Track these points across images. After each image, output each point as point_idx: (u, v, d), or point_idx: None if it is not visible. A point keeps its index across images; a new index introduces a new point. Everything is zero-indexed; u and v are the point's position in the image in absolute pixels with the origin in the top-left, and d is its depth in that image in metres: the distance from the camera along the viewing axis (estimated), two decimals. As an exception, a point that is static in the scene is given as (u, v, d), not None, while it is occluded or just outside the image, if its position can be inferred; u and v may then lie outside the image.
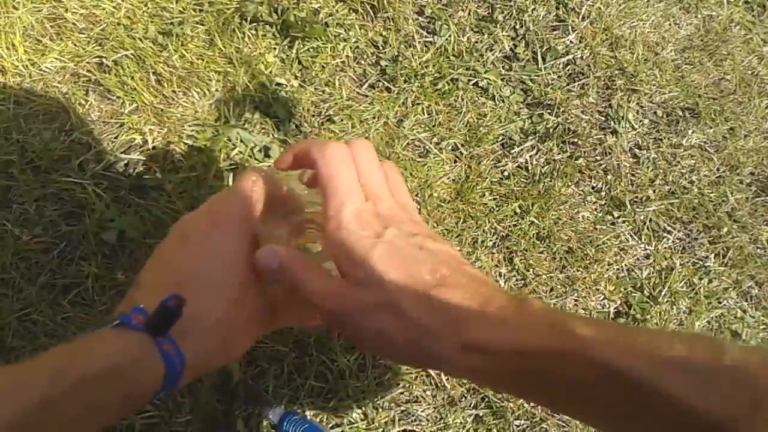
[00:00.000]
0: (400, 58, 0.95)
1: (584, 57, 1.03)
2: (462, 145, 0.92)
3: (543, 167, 0.93)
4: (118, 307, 0.40)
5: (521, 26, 1.02)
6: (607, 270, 0.89)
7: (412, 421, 0.76)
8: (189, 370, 0.38)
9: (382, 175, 0.43)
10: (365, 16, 0.97)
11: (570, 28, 1.04)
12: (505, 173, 0.92)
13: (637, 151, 0.98)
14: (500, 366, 0.35)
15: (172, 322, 0.37)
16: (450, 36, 0.98)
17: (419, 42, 0.97)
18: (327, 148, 0.42)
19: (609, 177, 0.95)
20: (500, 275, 0.85)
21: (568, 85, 1.00)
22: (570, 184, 0.93)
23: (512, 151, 0.93)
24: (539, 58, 1.01)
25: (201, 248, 0.42)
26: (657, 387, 0.30)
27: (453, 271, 0.38)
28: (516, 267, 0.86)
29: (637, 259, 0.92)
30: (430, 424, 0.77)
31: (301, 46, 0.92)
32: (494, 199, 0.89)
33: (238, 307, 0.41)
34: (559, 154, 0.94)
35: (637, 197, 0.95)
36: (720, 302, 0.91)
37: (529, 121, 0.96)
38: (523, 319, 0.35)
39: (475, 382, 0.40)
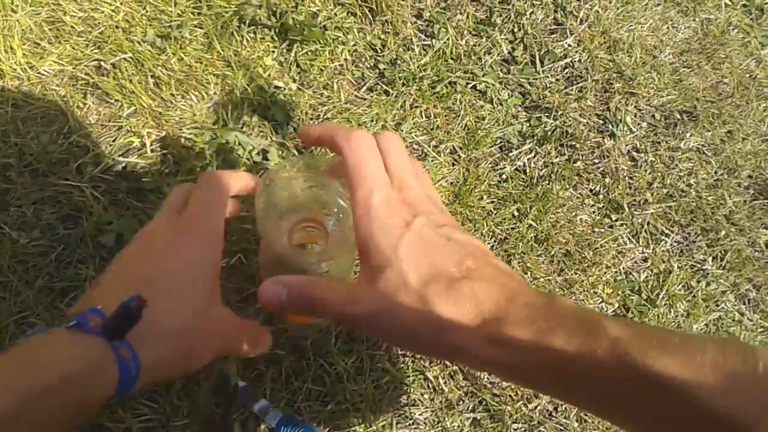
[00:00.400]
0: (399, 62, 0.95)
1: (582, 60, 1.03)
2: (460, 148, 0.92)
3: (541, 170, 0.93)
4: (74, 306, 0.38)
5: (519, 30, 1.03)
6: (605, 273, 0.89)
7: (409, 424, 0.76)
8: (144, 375, 0.36)
9: (410, 165, 0.42)
10: (363, 20, 0.97)
11: (568, 31, 1.05)
12: (503, 176, 0.92)
13: (635, 154, 0.99)
14: (525, 360, 0.34)
15: (131, 325, 0.35)
16: (448, 39, 0.98)
17: (417, 45, 0.97)
18: (353, 137, 0.41)
19: (607, 180, 0.95)
20: (498, 278, 0.85)
21: (566, 88, 1.00)
22: (568, 187, 0.93)
23: (510, 154, 0.93)
24: (537, 61, 1.01)
25: (168, 258, 0.41)
26: (687, 389, 0.30)
27: (480, 263, 0.37)
28: (514, 270, 0.86)
29: (635, 262, 0.92)
30: (427, 428, 0.76)
31: (300, 49, 0.92)
32: (492, 202, 0.89)
33: (201, 320, 0.40)
34: (557, 157, 0.95)
35: (635, 200, 0.95)
36: (718, 305, 0.91)
37: (527, 125, 0.96)
38: (552, 315, 0.34)
39: (497, 375, 0.41)
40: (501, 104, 0.97)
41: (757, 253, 0.96)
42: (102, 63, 0.87)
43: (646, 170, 0.97)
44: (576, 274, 0.87)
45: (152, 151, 0.82)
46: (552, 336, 0.33)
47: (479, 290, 0.36)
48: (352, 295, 0.37)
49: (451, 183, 0.90)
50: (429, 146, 0.91)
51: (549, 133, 0.95)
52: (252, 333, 0.45)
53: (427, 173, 0.43)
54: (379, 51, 0.96)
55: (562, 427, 0.79)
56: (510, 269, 0.39)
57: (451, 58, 0.97)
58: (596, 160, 0.96)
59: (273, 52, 0.92)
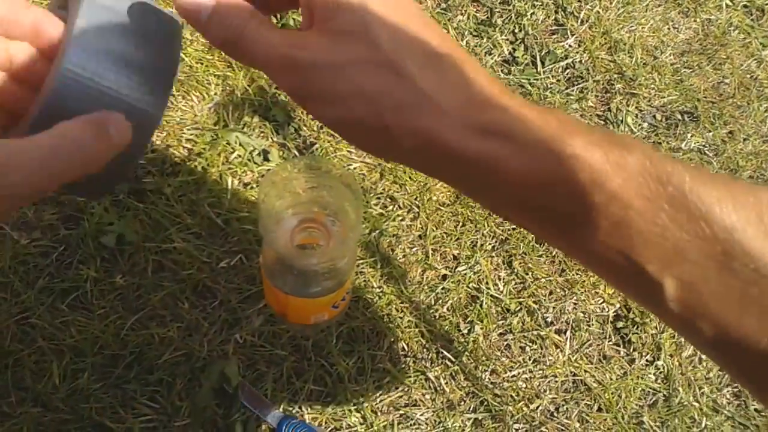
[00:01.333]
0: (399, 62, 0.95)
1: (583, 61, 1.03)
2: (461, 149, 0.92)
3: (542, 171, 0.93)
4: None
5: (520, 30, 1.03)
6: (607, 273, 0.89)
7: (411, 424, 0.76)
8: None
9: None
10: (364, 20, 0.97)
11: (569, 32, 1.05)
12: (504, 177, 0.92)
13: (636, 154, 0.99)
14: (521, 156, 0.27)
15: None
16: (449, 40, 0.98)
17: (418, 46, 0.97)
18: None
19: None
20: (499, 278, 0.85)
21: (567, 88, 1.00)
22: (569, 187, 0.93)
23: (511, 155, 0.93)
24: (538, 61, 1.01)
25: None
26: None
27: (463, 50, 0.30)
28: (515, 270, 0.86)
29: (637, 262, 0.92)
30: (429, 428, 0.76)
31: (301, 49, 0.92)
32: (493, 202, 0.89)
33: None
34: (558, 157, 0.94)
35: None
36: (719, 306, 0.91)
37: (528, 125, 0.96)
38: (560, 117, 0.29)
39: (475, 189, 0.31)
40: (502, 105, 0.96)
41: (758, 253, 0.96)
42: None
43: (647, 171, 0.97)
44: (577, 274, 0.87)
45: (153, 151, 0.82)
46: (571, 138, 0.27)
47: (468, 70, 0.29)
48: (300, 37, 0.29)
49: (452, 183, 0.89)
50: (430, 147, 0.91)
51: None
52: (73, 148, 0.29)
53: None
54: (380, 51, 0.96)
55: (563, 428, 0.79)
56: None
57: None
58: (597, 161, 0.96)
59: (274, 52, 0.92)
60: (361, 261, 0.81)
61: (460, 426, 0.77)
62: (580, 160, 0.27)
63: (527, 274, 0.86)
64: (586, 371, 0.82)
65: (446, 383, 0.78)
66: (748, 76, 1.09)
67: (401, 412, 0.76)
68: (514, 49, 1.01)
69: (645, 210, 0.26)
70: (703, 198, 0.26)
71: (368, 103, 0.28)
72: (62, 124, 0.29)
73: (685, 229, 0.26)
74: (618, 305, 0.88)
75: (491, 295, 0.84)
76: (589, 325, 0.85)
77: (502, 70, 0.99)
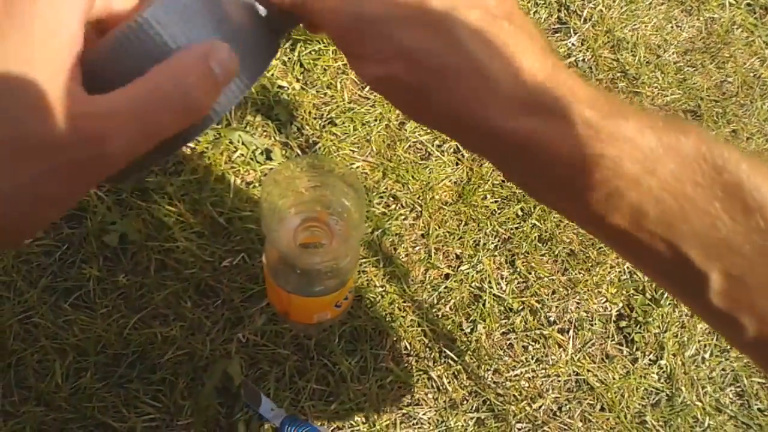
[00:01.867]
0: (402, 61, 0.95)
1: (586, 59, 1.03)
2: (464, 148, 0.92)
3: (545, 170, 0.93)
4: None
5: (523, 29, 1.02)
6: (609, 272, 0.89)
7: (413, 424, 0.76)
8: None
9: None
10: (367, 19, 0.97)
11: (572, 30, 1.04)
12: (507, 176, 0.92)
13: (639, 153, 0.98)
14: (567, 137, 0.25)
15: None
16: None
17: (421, 44, 0.97)
18: None
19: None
20: (502, 278, 0.85)
21: (569, 87, 1.00)
22: (572, 186, 0.93)
23: (514, 154, 0.93)
24: (541, 60, 1.01)
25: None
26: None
27: (523, 15, 0.28)
28: (518, 269, 0.85)
29: (639, 261, 0.91)
30: (431, 427, 0.76)
31: (303, 49, 0.92)
32: (496, 201, 0.89)
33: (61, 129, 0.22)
34: (560, 156, 0.94)
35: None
36: (722, 305, 0.91)
37: (531, 124, 0.96)
38: (603, 96, 0.27)
39: (513, 167, 0.28)
40: (504, 104, 0.96)
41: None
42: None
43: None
44: (580, 273, 0.87)
45: (156, 150, 0.82)
46: (623, 120, 0.25)
47: (523, 38, 0.27)
48: None
49: (455, 182, 0.89)
50: (432, 145, 0.91)
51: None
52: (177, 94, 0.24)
53: None
54: (383, 50, 0.96)
55: (566, 427, 0.79)
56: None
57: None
58: (600, 160, 0.96)
59: (276, 51, 0.92)
60: (363, 260, 0.81)
61: (462, 425, 0.77)
62: (631, 144, 0.25)
63: (530, 273, 0.86)
64: (588, 371, 0.82)
65: (449, 382, 0.78)
66: (752, 74, 1.09)
67: (404, 411, 0.76)
68: (517, 48, 1.01)
69: (697, 197, 0.25)
70: (761, 189, 0.25)
71: (408, 61, 0.26)
72: (158, 67, 0.24)
73: (738, 220, 0.25)
74: (621, 304, 0.87)
75: (494, 295, 0.83)
76: (591, 325, 0.85)
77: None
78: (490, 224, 0.87)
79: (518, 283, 0.85)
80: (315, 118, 0.89)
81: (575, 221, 0.30)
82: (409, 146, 0.90)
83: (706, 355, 0.87)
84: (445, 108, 0.27)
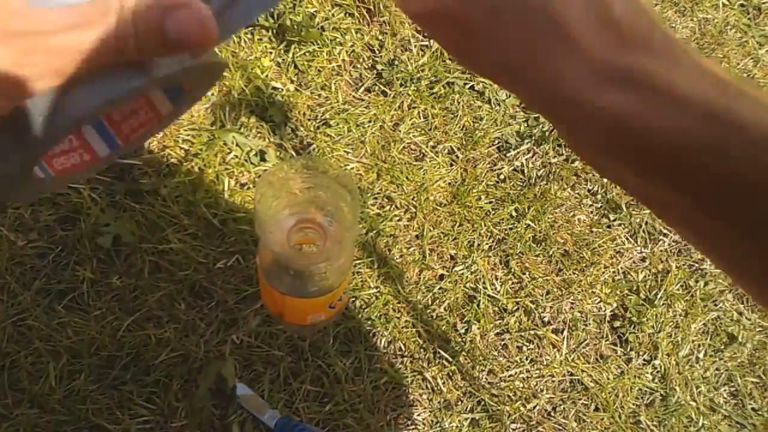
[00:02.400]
0: (396, 62, 0.95)
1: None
2: (458, 149, 0.92)
3: (539, 170, 0.93)
4: None
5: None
6: (603, 273, 0.89)
7: (408, 425, 0.76)
8: None
9: None
10: (361, 21, 0.97)
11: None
12: (501, 176, 0.92)
13: (632, 154, 0.99)
14: (666, 116, 0.21)
15: None
16: (446, 40, 0.98)
17: (415, 46, 0.97)
18: None
19: (605, 180, 0.95)
20: (496, 278, 0.85)
21: (563, 88, 1.00)
22: (566, 187, 0.93)
23: (508, 155, 0.93)
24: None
25: None
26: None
27: None
28: (512, 270, 0.86)
29: (633, 261, 0.92)
30: (426, 428, 0.76)
31: (297, 50, 0.92)
32: (490, 202, 0.89)
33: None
34: (555, 157, 0.95)
35: (633, 200, 0.95)
36: (716, 305, 0.92)
37: (525, 125, 0.96)
38: (710, 69, 0.22)
39: (585, 141, 0.23)
40: (499, 104, 0.97)
41: (755, 252, 0.97)
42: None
43: (644, 170, 0.97)
44: (574, 274, 0.87)
45: (150, 152, 0.82)
46: (735, 100, 0.21)
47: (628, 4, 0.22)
48: None
49: (449, 183, 0.89)
50: (427, 147, 0.91)
51: (547, 134, 0.95)
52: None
53: None
54: (377, 52, 0.96)
55: (560, 427, 0.79)
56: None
57: (449, 59, 0.97)
58: (594, 160, 0.96)
59: (271, 53, 0.92)
60: (358, 261, 0.81)
61: (457, 426, 0.77)
62: (745, 130, 0.20)
63: (524, 273, 0.86)
64: (583, 371, 0.82)
65: (443, 383, 0.78)
66: (745, 74, 1.09)
67: (398, 412, 0.76)
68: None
69: None
70: None
71: (497, 21, 0.22)
72: None
73: None
74: (615, 305, 0.88)
75: (488, 295, 0.84)
76: (586, 325, 0.85)
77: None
78: (485, 225, 0.87)
79: (512, 283, 0.86)
80: (309, 120, 0.89)
81: (659, 216, 0.25)
82: (404, 147, 0.90)
83: (700, 355, 0.87)
84: (500, 55, 0.23)
